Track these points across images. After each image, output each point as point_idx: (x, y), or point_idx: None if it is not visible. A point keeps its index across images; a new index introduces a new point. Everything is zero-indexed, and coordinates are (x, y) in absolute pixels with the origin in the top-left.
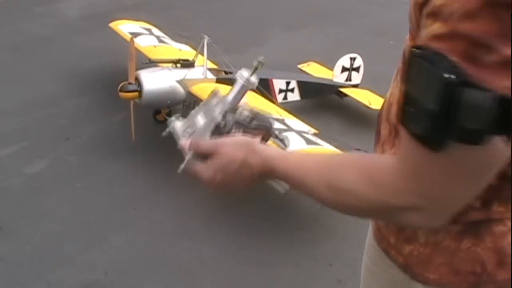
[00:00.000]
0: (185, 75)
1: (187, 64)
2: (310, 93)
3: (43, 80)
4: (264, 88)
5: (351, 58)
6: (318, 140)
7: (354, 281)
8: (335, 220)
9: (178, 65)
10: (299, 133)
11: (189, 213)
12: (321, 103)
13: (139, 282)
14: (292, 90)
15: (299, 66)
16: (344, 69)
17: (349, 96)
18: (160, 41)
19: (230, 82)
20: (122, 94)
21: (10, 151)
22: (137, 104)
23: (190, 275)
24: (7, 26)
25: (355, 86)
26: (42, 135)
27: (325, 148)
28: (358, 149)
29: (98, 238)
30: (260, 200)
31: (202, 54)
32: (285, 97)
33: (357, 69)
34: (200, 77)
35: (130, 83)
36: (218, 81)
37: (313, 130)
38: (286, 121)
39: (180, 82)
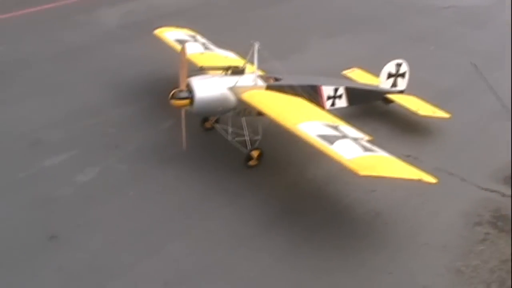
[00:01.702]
0: (236, 82)
1: (237, 71)
2: (358, 99)
3: (87, 89)
4: (312, 94)
5: (397, 64)
6: (374, 147)
7: None
8: (390, 227)
9: (229, 72)
10: (355, 140)
11: (243, 222)
12: (368, 109)
13: None
14: (340, 97)
15: (344, 72)
16: (390, 75)
17: (395, 102)
18: (206, 48)
19: (280, 89)
20: (173, 102)
21: (60, 160)
22: (187, 112)
23: (250, 285)
24: (48, 35)
25: (401, 92)
26: (90, 143)
27: (381, 155)
28: (408, 156)
29: (155, 247)
30: (314, 208)
31: (251, 61)
32: (333, 104)
33: (402, 75)
34: (251, 84)
35: (181, 91)
36: (269, 88)
37: (366, 137)
38: (340, 127)
39: (231, 89)
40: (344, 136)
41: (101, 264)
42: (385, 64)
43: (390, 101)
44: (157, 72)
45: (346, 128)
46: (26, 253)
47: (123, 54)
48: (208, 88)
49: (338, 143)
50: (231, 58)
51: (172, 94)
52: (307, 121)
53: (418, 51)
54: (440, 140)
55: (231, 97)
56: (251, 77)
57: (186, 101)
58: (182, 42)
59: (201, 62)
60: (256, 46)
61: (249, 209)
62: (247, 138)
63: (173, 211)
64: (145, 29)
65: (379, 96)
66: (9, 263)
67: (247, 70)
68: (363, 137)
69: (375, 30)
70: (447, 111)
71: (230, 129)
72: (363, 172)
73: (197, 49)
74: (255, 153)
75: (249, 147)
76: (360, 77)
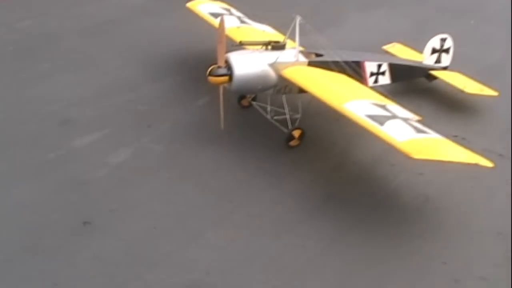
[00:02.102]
0: (277, 58)
1: (278, 46)
2: (401, 76)
3: (117, 65)
4: (356, 71)
5: (441, 39)
6: (425, 128)
7: (472, 282)
8: (441, 213)
9: (269, 47)
10: (405, 120)
11: (287, 207)
12: (410, 86)
13: (245, 283)
14: (383, 73)
15: (384, 47)
16: (434, 51)
17: (439, 79)
18: (242, 21)
19: (323, 65)
20: (211, 78)
21: (91, 140)
22: (225, 89)
23: (298, 275)
24: (73, 9)
25: (444, 68)
26: (122, 122)
27: (435, 137)
28: (456, 136)
29: (195, 234)
30: (360, 193)
31: (292, 36)
32: (376, 81)
33: (446, 51)
34: (292, 60)
35: (219, 67)
36: (311, 64)
37: (416, 117)
38: (388, 107)
39: (271, 65)
40: (394, 116)
41: (138, 251)
42: (425, 39)
43: (433, 78)
44: (190, 47)
45: (395, 107)
46: (59, 240)
47: (153, 28)
48: (247, 65)
49: (389, 123)
50: (269, 33)
51: (210, 71)
52: (353, 100)
53: (459, 25)
54: (488, 119)
55: (272, 74)
56: (293, 53)
57: (225, 78)
58: (216, 15)
59: (237, 36)
60: (298, 20)
61: (292, 193)
62: (287, 116)
63: (212, 195)
64: (176, 1)
65: (423, 72)
66: (41, 250)
67: (287, 46)
68: (413, 117)
69: (413, 3)
70: (494, 88)
71: (269, 107)
72: (417, 155)
73: (233, 23)
74: (296, 133)
75: (289, 126)
76: (401, 52)
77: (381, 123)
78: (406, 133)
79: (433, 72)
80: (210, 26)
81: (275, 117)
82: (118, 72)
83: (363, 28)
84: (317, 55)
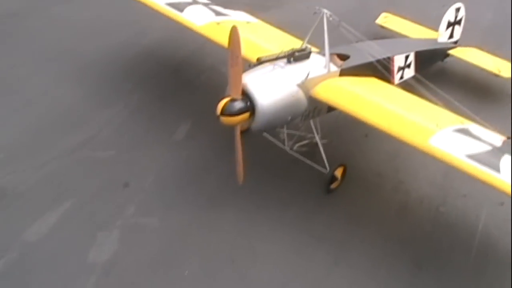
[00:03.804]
0: (308, 74)
1: (303, 55)
2: (424, 64)
3: (39, 83)
4: (387, 69)
5: (456, 9)
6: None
7: None
8: None
9: (292, 58)
10: (500, 150)
11: None
12: (432, 74)
13: None
14: (409, 66)
15: (378, 22)
16: (449, 25)
17: (455, 57)
18: (218, 13)
19: (356, 71)
20: (226, 119)
21: (45, 230)
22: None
23: None
24: None
25: (455, 43)
26: (83, 185)
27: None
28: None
29: None
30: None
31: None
32: (401, 76)
33: (459, 22)
34: (323, 72)
35: (234, 100)
36: (343, 73)
37: (503, 138)
38: (471, 129)
39: (302, 85)
40: (481, 140)
41: None
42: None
43: (446, 56)
44: (140, 46)
45: (478, 130)
46: None
47: (67, 19)
48: (272, 90)
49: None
50: (253, 23)
51: (222, 108)
52: (435, 130)
53: None
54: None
55: (302, 97)
56: (321, 61)
57: (245, 116)
58: (181, 8)
59: (220, 35)
60: (325, 15)
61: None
62: (321, 150)
63: None
64: None
65: (442, 54)
66: None
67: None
68: (500, 138)
69: None
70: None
71: (285, 132)
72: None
73: (207, 16)
74: (339, 172)
75: (324, 159)
76: (397, 25)
77: (497, 169)
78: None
79: (451, 52)
80: (161, 15)
81: (297, 146)
82: (46, 96)
83: None
84: (340, 56)
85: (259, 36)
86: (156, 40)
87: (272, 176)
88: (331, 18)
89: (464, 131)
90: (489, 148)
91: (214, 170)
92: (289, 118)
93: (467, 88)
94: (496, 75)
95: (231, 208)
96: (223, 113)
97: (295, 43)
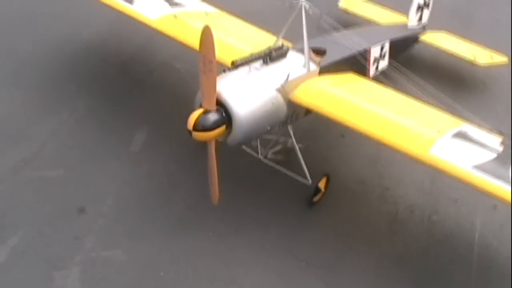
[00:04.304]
0: (288, 76)
1: (280, 54)
2: (396, 52)
3: None
4: (363, 61)
5: None
6: None
7: None
8: None
9: (269, 58)
10: (504, 157)
11: None
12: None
13: None
14: (383, 56)
15: (341, 5)
16: (419, 8)
17: (426, 43)
18: (172, 4)
19: (335, 68)
20: (199, 135)
21: None
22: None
23: None
24: None
25: (424, 27)
26: (30, 213)
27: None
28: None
29: None
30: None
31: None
32: (377, 67)
33: (428, 5)
34: (302, 72)
35: (207, 112)
36: (322, 71)
37: (499, 139)
38: (469, 132)
39: (282, 89)
40: (480, 145)
41: None
42: None
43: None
44: (69, 39)
45: (473, 130)
46: None
47: None
48: (250, 98)
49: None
50: (212, 13)
51: (195, 122)
52: (435, 138)
53: None
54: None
55: (282, 102)
56: (300, 60)
57: (221, 130)
58: None
59: (177, 30)
60: (304, 6)
61: None
62: (301, 159)
63: None
64: None
65: (414, 40)
66: None
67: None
68: (495, 139)
69: None
70: (499, 51)
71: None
72: None
73: (162, 9)
74: (322, 183)
75: (305, 170)
76: (364, 10)
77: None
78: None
79: (422, 37)
80: (100, 6)
81: (270, 153)
82: None
83: None
84: (316, 51)
85: (225, 31)
86: (98, 34)
87: (246, 190)
88: (310, 12)
89: (463, 136)
90: (493, 155)
91: (181, 186)
92: (268, 128)
93: (438, 76)
94: (472, 63)
95: (206, 233)
96: (195, 128)
97: (266, 38)
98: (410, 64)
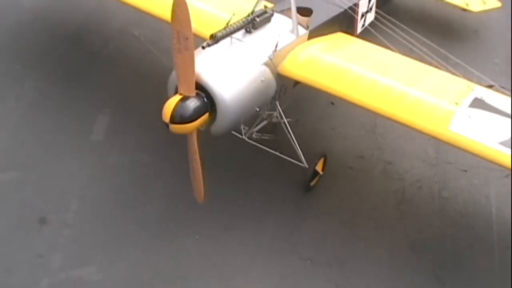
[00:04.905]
0: (276, 45)
1: (264, 19)
2: (384, 3)
3: None
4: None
5: None
6: None
7: None
8: None
9: (251, 25)
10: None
11: None
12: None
13: None
14: (370, 10)
15: None
16: None
17: None
18: None
19: (324, 29)
20: (178, 127)
21: None
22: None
23: None
24: None
25: None
26: None
27: None
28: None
29: None
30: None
31: None
32: (363, 24)
33: None
34: (291, 38)
35: (186, 98)
36: (311, 35)
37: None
38: (485, 98)
39: (269, 62)
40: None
41: None
42: None
43: None
44: (8, 7)
45: (492, 97)
46: None
47: None
48: (236, 76)
49: None
50: None
51: (172, 113)
52: (455, 111)
53: None
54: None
55: (271, 78)
56: (287, 24)
57: (203, 118)
58: None
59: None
60: None
61: None
62: (293, 140)
63: None
64: None
65: None
66: None
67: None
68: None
69: None
70: None
71: None
72: None
73: None
74: (320, 165)
75: (299, 153)
76: None
77: None
78: None
79: None
80: None
81: (256, 131)
82: None
83: None
84: (301, 11)
85: None
86: (41, 0)
87: (233, 179)
88: None
89: (480, 104)
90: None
91: (157, 181)
92: (257, 109)
93: (426, 26)
94: (464, 10)
95: (191, 236)
96: (173, 120)
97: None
98: (395, 15)
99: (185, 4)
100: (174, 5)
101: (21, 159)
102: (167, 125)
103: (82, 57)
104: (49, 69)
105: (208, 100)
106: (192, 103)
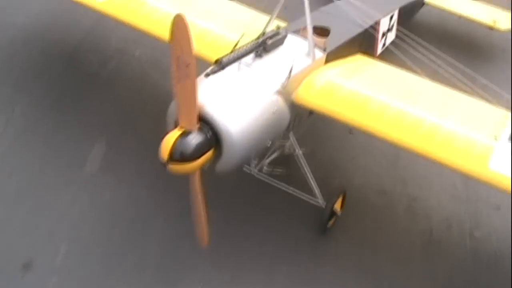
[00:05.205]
0: (290, 71)
1: (277, 41)
2: (404, 22)
3: None
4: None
5: None
6: None
7: None
8: None
9: (261, 47)
10: None
11: None
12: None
13: None
14: (391, 29)
15: None
16: None
17: (433, 6)
18: None
19: (343, 51)
20: (176, 167)
21: None
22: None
23: None
24: None
25: None
26: None
27: None
28: None
29: None
30: None
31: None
32: (384, 43)
33: None
34: (307, 63)
35: (187, 133)
36: (329, 58)
37: None
38: None
39: (282, 90)
40: None
41: None
42: None
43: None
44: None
45: None
46: None
47: None
48: (244, 108)
49: None
50: None
51: (171, 150)
52: (493, 146)
53: None
54: None
55: (284, 108)
56: (302, 46)
57: (207, 156)
58: None
59: (130, 13)
60: None
61: None
62: (309, 175)
63: None
64: None
65: (421, 4)
66: None
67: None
68: None
69: None
70: None
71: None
72: None
73: None
74: (338, 203)
75: (315, 190)
76: None
77: None
78: None
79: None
80: None
81: (267, 163)
82: None
83: None
84: (318, 30)
85: (199, 13)
86: (35, 18)
87: (241, 219)
88: None
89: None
90: None
91: (156, 219)
92: (269, 142)
93: (449, 45)
94: (491, 28)
95: (194, 285)
96: (172, 157)
97: (253, 17)
98: (416, 33)
99: (185, 25)
100: (173, 25)
101: (6, 194)
102: (164, 165)
103: (78, 79)
104: (41, 92)
105: (212, 135)
106: (194, 139)
